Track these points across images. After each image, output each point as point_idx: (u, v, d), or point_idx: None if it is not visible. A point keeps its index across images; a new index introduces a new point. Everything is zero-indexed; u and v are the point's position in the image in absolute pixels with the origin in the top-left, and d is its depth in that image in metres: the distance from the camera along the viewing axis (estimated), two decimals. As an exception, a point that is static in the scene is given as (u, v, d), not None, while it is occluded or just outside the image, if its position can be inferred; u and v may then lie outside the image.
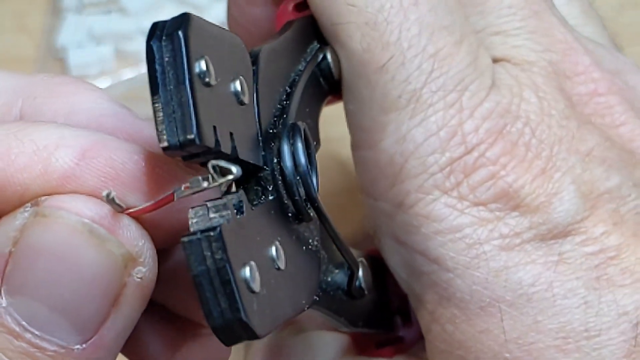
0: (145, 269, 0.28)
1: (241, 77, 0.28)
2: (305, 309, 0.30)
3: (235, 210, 0.26)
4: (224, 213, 0.25)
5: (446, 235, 0.33)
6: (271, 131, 0.30)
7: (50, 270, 0.28)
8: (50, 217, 0.28)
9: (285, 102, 0.32)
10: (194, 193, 0.26)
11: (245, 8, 0.38)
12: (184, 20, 0.26)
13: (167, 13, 0.63)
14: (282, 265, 0.28)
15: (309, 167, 0.29)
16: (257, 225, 0.27)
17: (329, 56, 0.35)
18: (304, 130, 0.31)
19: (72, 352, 0.28)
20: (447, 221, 0.33)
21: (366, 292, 0.36)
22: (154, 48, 0.26)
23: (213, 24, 0.28)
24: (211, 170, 0.25)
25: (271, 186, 0.29)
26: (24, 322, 0.28)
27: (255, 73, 0.30)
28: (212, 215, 0.25)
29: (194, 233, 0.25)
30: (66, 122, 0.30)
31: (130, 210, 0.28)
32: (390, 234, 0.35)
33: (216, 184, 0.25)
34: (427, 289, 0.34)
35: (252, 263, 0.25)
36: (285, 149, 0.29)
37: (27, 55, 0.63)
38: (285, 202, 0.29)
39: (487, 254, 0.33)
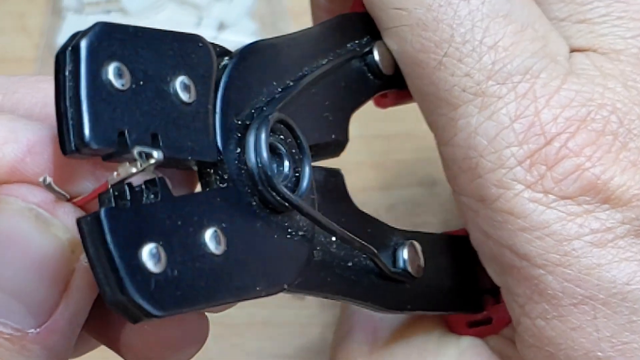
0: None
1: (183, 76, 0.29)
2: (263, 294, 0.30)
3: (147, 195, 0.28)
4: (125, 197, 0.27)
5: (533, 232, 0.32)
6: (239, 122, 0.31)
7: (1, 254, 0.28)
8: (0, 203, 0.29)
9: (276, 95, 0.32)
10: (124, 179, 0.27)
11: (325, 11, 0.39)
12: (89, 30, 0.27)
13: (167, 13, 0.64)
14: (216, 250, 0.28)
15: (268, 157, 0.30)
16: (183, 210, 0.28)
17: (375, 51, 0.35)
18: (279, 121, 0.31)
19: (26, 335, 0.28)
20: (533, 217, 0.32)
21: (414, 274, 0.35)
22: (59, 59, 0.27)
23: (139, 27, 0.29)
24: (136, 157, 0.27)
25: (226, 175, 0.30)
26: None
27: (225, 68, 0.31)
28: (112, 199, 0.27)
29: (86, 216, 0.26)
30: (40, 114, 0.31)
31: (75, 200, 0.29)
32: (477, 228, 0.34)
33: (141, 169, 0.27)
34: (517, 283, 0.34)
35: (153, 244, 0.26)
36: (250, 140, 0.30)
37: (27, 55, 0.63)
38: (241, 190, 0.30)
39: (578, 250, 0.32)
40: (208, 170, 0.30)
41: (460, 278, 0.38)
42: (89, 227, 0.26)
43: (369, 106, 0.63)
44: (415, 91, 0.35)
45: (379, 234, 0.36)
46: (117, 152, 0.27)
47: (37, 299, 0.29)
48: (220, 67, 0.32)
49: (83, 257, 0.29)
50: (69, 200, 0.29)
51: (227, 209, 0.29)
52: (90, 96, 0.26)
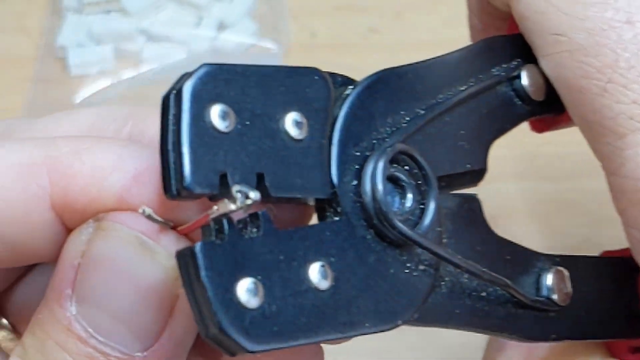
0: None
1: (294, 112, 0.29)
2: (372, 331, 0.29)
3: (250, 228, 0.28)
4: (219, 232, 0.27)
5: None
6: (358, 153, 0.30)
7: (109, 280, 0.29)
8: (107, 230, 0.29)
9: (403, 125, 0.31)
10: (223, 215, 0.27)
11: (481, 34, 0.38)
12: (194, 72, 0.27)
13: (167, 13, 0.64)
14: (321, 285, 0.28)
15: (384, 189, 0.29)
16: (286, 245, 0.28)
17: (524, 76, 0.34)
18: (402, 152, 0.30)
19: (134, 359, 0.29)
20: None
21: (560, 302, 0.34)
22: (165, 102, 0.27)
23: (247, 66, 0.28)
24: (234, 195, 0.27)
25: (340, 208, 0.29)
26: (90, 329, 0.29)
27: (347, 98, 0.30)
28: (213, 232, 0.27)
29: (183, 250, 0.27)
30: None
31: (179, 228, 0.29)
32: None
33: (238, 208, 0.27)
34: None
35: (250, 279, 0.26)
36: (367, 172, 0.29)
37: (27, 55, 0.63)
38: (355, 223, 0.29)
39: None
40: (322, 203, 0.30)
41: (618, 302, 0.36)
42: (185, 260, 0.26)
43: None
44: (577, 118, 0.33)
45: (520, 259, 0.34)
46: (219, 194, 0.27)
47: (144, 324, 0.29)
48: (342, 96, 0.30)
49: None
50: (172, 228, 0.29)
51: (337, 243, 0.29)
52: (192, 141, 0.26)
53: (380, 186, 0.29)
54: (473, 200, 0.33)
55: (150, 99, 0.59)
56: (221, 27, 0.63)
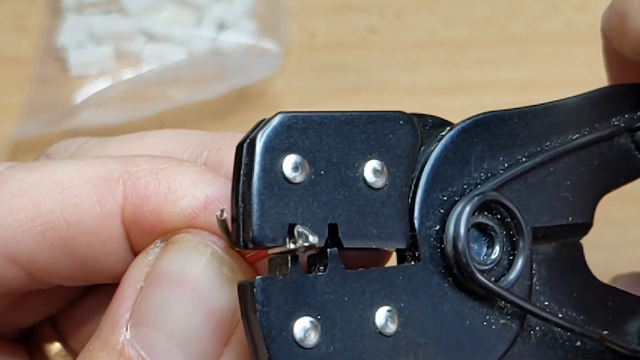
0: None
1: (374, 160, 0.28)
2: None
3: (317, 267, 0.27)
4: (284, 268, 0.27)
5: None
6: (445, 198, 0.29)
7: (174, 295, 0.27)
8: (178, 243, 0.28)
9: (500, 171, 0.30)
10: (280, 253, 0.27)
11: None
12: (269, 121, 0.27)
13: (167, 13, 0.64)
14: (386, 330, 0.27)
15: (466, 238, 0.28)
16: (353, 286, 0.27)
17: None
18: (492, 200, 0.29)
19: None
20: None
21: None
22: (238, 151, 0.27)
23: (325, 114, 0.28)
24: (295, 235, 0.26)
25: (418, 253, 0.28)
26: (142, 352, 0.27)
27: (441, 139, 0.29)
28: (277, 267, 0.27)
29: (244, 281, 0.26)
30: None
31: (248, 255, 0.28)
32: None
33: (296, 248, 0.26)
34: None
35: (309, 318, 0.26)
36: (451, 218, 0.29)
37: (27, 55, 0.63)
38: (433, 270, 0.28)
39: None
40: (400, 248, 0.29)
41: None
42: (244, 292, 0.26)
43: (368, 105, 0.63)
44: None
45: (625, 306, 0.32)
46: (296, 247, 0.27)
47: (200, 349, 0.27)
48: (436, 137, 0.30)
49: None
50: (245, 250, 0.28)
51: (410, 288, 0.28)
52: (261, 193, 0.26)
53: (462, 234, 0.28)
54: (574, 245, 0.32)
55: (150, 100, 0.59)
56: (221, 27, 0.63)
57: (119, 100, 0.59)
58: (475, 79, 0.62)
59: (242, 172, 0.26)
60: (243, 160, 0.27)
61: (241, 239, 0.26)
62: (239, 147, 0.27)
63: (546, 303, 0.31)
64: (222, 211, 0.27)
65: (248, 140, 0.27)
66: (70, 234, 0.28)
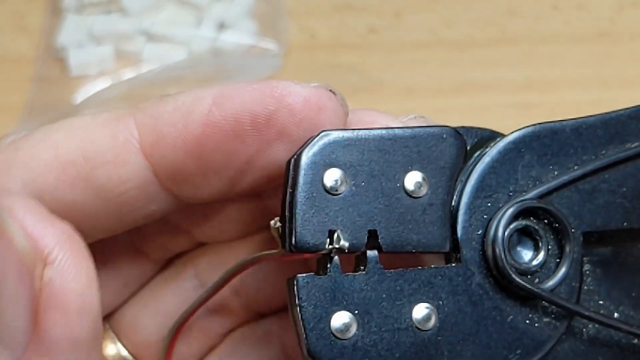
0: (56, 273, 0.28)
1: (415, 172, 0.30)
2: None
3: (358, 266, 0.30)
4: (325, 267, 0.29)
5: None
6: (490, 204, 0.31)
7: None
8: None
9: (550, 179, 0.31)
10: (324, 255, 0.29)
11: None
12: (313, 139, 0.30)
13: (167, 13, 0.64)
14: (424, 326, 0.30)
15: (504, 240, 0.30)
16: (391, 284, 0.30)
17: None
18: (536, 207, 0.31)
19: None
20: None
21: None
22: (287, 165, 0.30)
23: (369, 131, 0.30)
24: (334, 239, 0.29)
25: (459, 255, 0.30)
26: None
27: (491, 148, 0.31)
28: (321, 267, 0.30)
29: (291, 278, 0.29)
30: None
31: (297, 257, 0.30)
32: None
33: (332, 248, 0.29)
34: None
35: (346, 313, 0.29)
36: (494, 222, 0.30)
37: (27, 55, 0.63)
38: (475, 271, 0.30)
39: None
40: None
41: None
42: (289, 287, 0.29)
43: (368, 105, 0.63)
44: None
45: None
46: (329, 249, 0.29)
47: (6, 327, 0.27)
48: (485, 148, 0.31)
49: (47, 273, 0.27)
50: (286, 256, 0.30)
51: (449, 288, 0.30)
52: (304, 204, 0.29)
53: (500, 237, 0.30)
54: (634, 248, 0.33)
55: (150, 99, 0.59)
56: (221, 27, 0.63)
57: (119, 100, 0.59)
58: (475, 79, 0.62)
59: (289, 185, 0.29)
60: (290, 174, 0.29)
61: (287, 244, 0.29)
62: (288, 163, 0.30)
63: (601, 302, 0.32)
64: (276, 220, 0.30)
65: (295, 157, 0.29)
66: (89, 166, 0.30)
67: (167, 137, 0.30)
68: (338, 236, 0.29)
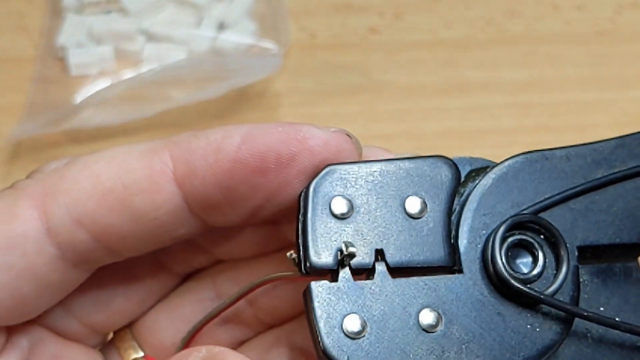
0: None
1: (414, 196, 0.33)
2: None
3: (368, 275, 0.32)
4: (341, 275, 0.32)
5: None
6: (489, 221, 0.34)
7: None
8: None
9: (546, 198, 0.34)
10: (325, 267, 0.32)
11: None
12: (318, 174, 0.33)
13: (167, 13, 0.64)
14: (430, 329, 0.32)
15: (499, 248, 0.33)
16: (399, 291, 0.32)
17: None
18: (532, 222, 0.33)
19: None
20: None
21: None
22: (299, 197, 0.33)
23: (369, 162, 0.33)
24: (344, 251, 0.32)
25: (462, 267, 0.33)
26: None
27: (484, 175, 0.34)
28: (331, 277, 0.32)
29: (308, 286, 0.32)
30: None
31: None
32: None
33: (342, 258, 0.32)
34: None
35: (357, 316, 0.32)
36: (492, 236, 0.33)
37: (27, 55, 0.63)
38: (477, 281, 0.33)
39: None
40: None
41: None
42: (305, 295, 0.32)
43: (368, 105, 0.63)
44: None
45: None
46: (341, 262, 0.32)
47: None
48: (484, 173, 0.34)
49: None
50: (303, 276, 0.33)
51: (454, 295, 0.32)
52: (314, 229, 0.32)
53: (498, 246, 0.33)
54: (629, 262, 0.35)
55: (150, 100, 0.59)
56: (221, 27, 0.63)
57: (119, 100, 0.59)
58: (475, 79, 0.62)
59: (300, 214, 0.32)
60: (301, 204, 0.32)
61: (303, 268, 0.32)
62: (299, 196, 0.33)
63: (601, 309, 0.34)
64: (291, 252, 0.32)
65: (305, 190, 0.32)
66: (127, 194, 0.33)
67: (199, 169, 0.33)
68: (349, 253, 0.32)
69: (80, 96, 0.60)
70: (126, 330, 0.37)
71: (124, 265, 0.35)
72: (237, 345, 0.37)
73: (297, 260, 0.33)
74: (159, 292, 0.37)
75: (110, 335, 0.38)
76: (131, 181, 0.33)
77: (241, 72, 0.61)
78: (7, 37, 0.64)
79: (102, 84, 0.61)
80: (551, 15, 0.66)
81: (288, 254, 0.33)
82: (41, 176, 0.34)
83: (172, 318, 0.37)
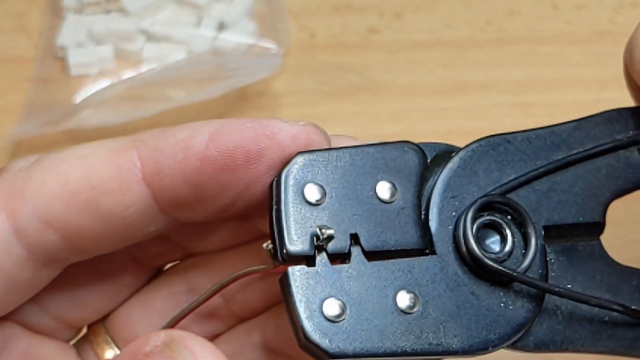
0: None
1: (384, 181, 0.33)
2: (460, 354, 0.33)
3: (344, 259, 0.33)
4: (318, 260, 0.32)
5: None
6: (457, 203, 0.34)
7: None
8: (175, 351, 0.31)
9: (510, 180, 0.35)
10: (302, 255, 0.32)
11: None
12: (288, 162, 0.33)
13: (167, 13, 0.64)
14: (407, 309, 0.32)
15: (471, 227, 0.33)
16: (376, 274, 0.33)
17: None
18: (499, 202, 0.34)
19: None
20: None
21: None
22: (270, 186, 0.33)
23: (338, 149, 0.33)
24: (320, 236, 0.32)
25: (434, 249, 0.33)
26: None
27: (449, 160, 0.34)
28: (307, 262, 0.32)
29: (284, 273, 0.32)
30: None
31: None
32: None
33: (318, 244, 0.32)
34: None
35: (335, 299, 0.32)
36: (462, 217, 0.33)
37: (27, 55, 0.63)
38: (449, 262, 0.33)
39: None
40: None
41: None
42: (282, 282, 0.32)
43: (368, 105, 0.63)
44: None
45: None
46: (318, 246, 0.32)
47: None
48: (446, 158, 0.35)
49: None
50: (280, 265, 0.32)
51: (429, 276, 0.33)
52: (287, 216, 0.32)
53: (469, 227, 0.33)
54: (592, 241, 0.36)
55: (150, 100, 0.59)
56: (221, 27, 0.63)
57: (119, 100, 0.59)
58: (475, 79, 0.62)
59: (273, 202, 0.32)
60: (273, 193, 0.32)
61: (279, 256, 0.32)
62: (271, 184, 0.33)
63: (569, 286, 0.35)
64: (268, 243, 0.32)
65: (276, 178, 0.32)
66: (95, 194, 0.33)
67: (167, 168, 0.33)
68: (327, 236, 0.32)
69: (80, 96, 0.60)
70: (100, 324, 0.37)
71: (96, 260, 0.35)
72: (210, 339, 0.37)
73: (272, 252, 0.32)
74: (131, 286, 0.37)
75: (84, 330, 0.38)
76: (99, 181, 0.33)
77: (241, 72, 0.61)
78: (7, 37, 0.64)
79: (102, 84, 0.61)
80: (551, 15, 0.66)
81: (264, 244, 0.33)
82: (7, 176, 0.33)
83: (146, 312, 0.37)
